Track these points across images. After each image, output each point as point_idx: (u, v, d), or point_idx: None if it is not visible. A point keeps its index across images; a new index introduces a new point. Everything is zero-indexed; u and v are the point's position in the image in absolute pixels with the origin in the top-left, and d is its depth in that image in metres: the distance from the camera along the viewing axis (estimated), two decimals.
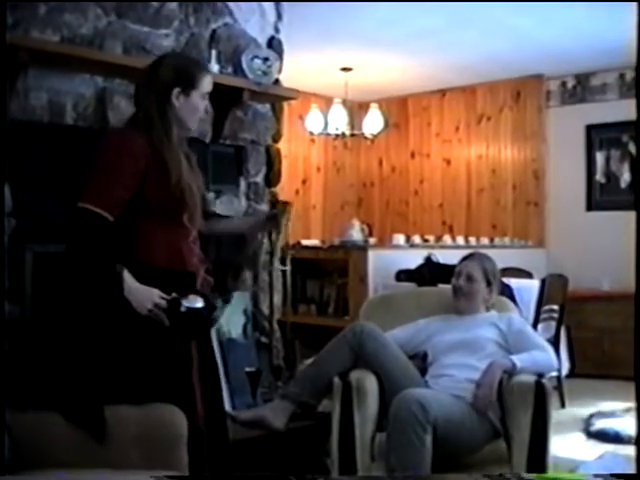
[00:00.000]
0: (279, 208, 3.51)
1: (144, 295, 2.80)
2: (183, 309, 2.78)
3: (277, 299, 5.11)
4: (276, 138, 5.26)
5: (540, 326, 5.74)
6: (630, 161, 7.99)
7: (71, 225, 2.88)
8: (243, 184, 4.98)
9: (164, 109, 2.96)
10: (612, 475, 2.81)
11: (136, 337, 2.88)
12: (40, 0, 4.12)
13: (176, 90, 2.97)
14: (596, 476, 3.00)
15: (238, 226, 3.75)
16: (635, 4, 3.17)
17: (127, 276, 2.79)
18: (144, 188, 2.89)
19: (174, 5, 4.72)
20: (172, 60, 3.14)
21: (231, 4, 5.01)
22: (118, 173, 2.87)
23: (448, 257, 5.64)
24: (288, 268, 4.92)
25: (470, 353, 3.65)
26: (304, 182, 9.37)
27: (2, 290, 3.48)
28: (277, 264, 3.75)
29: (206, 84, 3.07)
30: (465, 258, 4.00)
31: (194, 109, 3.04)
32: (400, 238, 6.89)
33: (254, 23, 5.16)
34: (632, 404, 5.31)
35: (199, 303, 2.83)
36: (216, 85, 4.77)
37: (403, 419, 3.23)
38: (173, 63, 3.07)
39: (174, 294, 2.81)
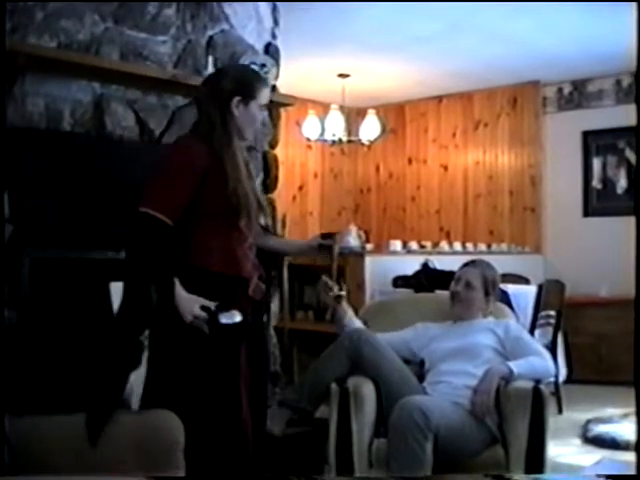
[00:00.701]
0: (333, 237, 3.51)
1: (189, 304, 2.87)
2: (223, 321, 2.86)
3: (274, 305, 5.12)
4: (273, 144, 5.26)
5: (537, 332, 5.74)
6: (627, 167, 8.00)
7: (132, 229, 2.94)
8: None
9: (225, 117, 3.04)
10: (612, 477, 2.82)
11: (184, 342, 2.94)
12: (39, 0, 4.12)
13: (236, 99, 3.06)
14: (598, 476, 3.01)
15: (288, 248, 3.80)
16: (634, 5, 3.18)
17: (177, 285, 2.87)
18: (202, 194, 2.97)
19: (171, 11, 4.73)
20: (233, 71, 3.30)
21: (228, 10, 5.01)
22: (178, 179, 2.96)
23: (445, 263, 5.64)
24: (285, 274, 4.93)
25: (467, 360, 3.64)
26: (301, 188, 9.37)
27: (1, 296, 3.48)
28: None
29: (264, 96, 3.16)
30: (466, 264, 3.99)
31: (252, 119, 3.12)
32: (397, 244, 6.88)
33: (251, 29, 5.16)
34: (629, 410, 5.33)
35: (237, 318, 2.89)
36: None
37: (404, 426, 3.23)
38: (234, 74, 3.19)
39: (214, 306, 2.87)
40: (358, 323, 3.79)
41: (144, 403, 3.07)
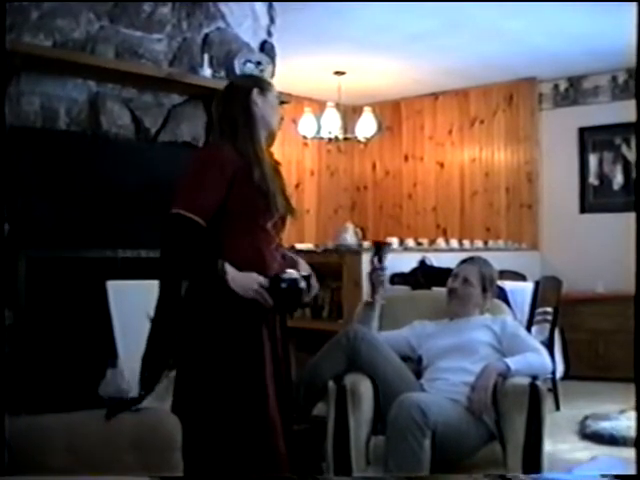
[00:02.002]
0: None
1: (248, 279, 2.97)
2: (284, 285, 2.98)
3: None
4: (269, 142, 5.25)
5: (534, 328, 5.74)
6: (623, 163, 8.01)
7: (165, 231, 2.98)
8: None
9: (248, 112, 3.16)
10: (614, 476, 2.82)
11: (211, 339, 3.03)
12: (39, 0, 4.12)
13: (255, 90, 3.18)
14: (601, 476, 3.01)
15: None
16: (635, 4, 3.18)
17: (229, 267, 2.94)
18: (232, 193, 3.02)
19: (166, 10, 4.73)
20: (241, 76, 3.76)
21: (224, 8, 5.01)
22: (208, 180, 3.01)
23: (442, 260, 5.64)
24: None
25: (464, 356, 3.64)
26: (297, 186, 9.37)
27: (1, 297, 3.48)
28: None
29: (274, 88, 3.33)
30: (464, 261, 3.99)
31: (273, 106, 3.27)
32: (394, 241, 6.87)
33: (247, 27, 5.16)
34: (627, 406, 5.34)
35: (295, 275, 3.03)
36: (208, 89, 4.80)
37: (402, 423, 3.23)
38: (244, 76, 3.65)
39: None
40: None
41: (175, 403, 3.09)
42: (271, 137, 3.32)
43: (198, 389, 3.04)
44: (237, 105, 3.16)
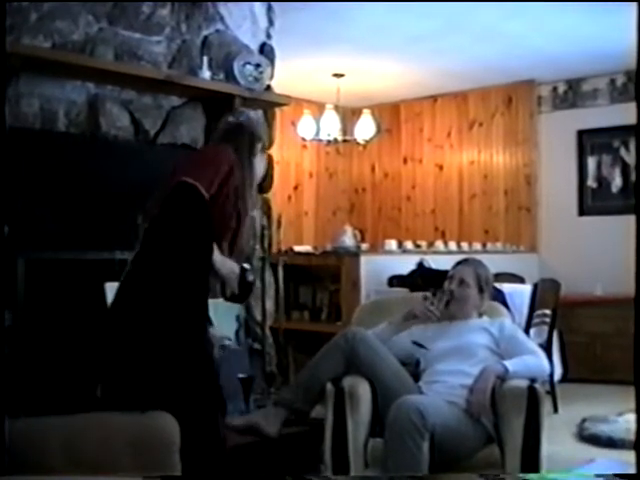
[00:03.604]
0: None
1: (231, 264, 3.27)
2: (250, 279, 3.34)
3: (269, 305, 5.12)
4: (268, 144, 5.26)
5: (532, 331, 5.74)
6: (621, 166, 8.01)
7: (171, 197, 3.11)
8: None
9: (251, 158, 3.41)
10: (613, 476, 2.82)
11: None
12: (37, 0, 4.12)
13: (259, 145, 3.48)
14: (598, 476, 3.01)
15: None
16: (635, 5, 3.17)
17: (216, 251, 3.18)
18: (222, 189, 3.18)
19: (165, 12, 4.73)
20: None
21: (223, 10, 5.02)
22: (215, 162, 3.22)
23: (440, 263, 5.65)
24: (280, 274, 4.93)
25: (463, 359, 3.65)
26: (296, 188, 9.37)
27: (1, 298, 3.48)
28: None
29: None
30: (459, 263, 4.00)
31: (263, 164, 3.57)
32: (392, 244, 6.88)
33: (246, 29, 5.17)
34: (625, 408, 5.34)
35: (252, 277, 3.38)
36: (208, 92, 4.81)
37: (401, 426, 3.23)
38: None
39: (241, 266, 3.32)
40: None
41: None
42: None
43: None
44: (245, 152, 3.37)
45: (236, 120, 3.71)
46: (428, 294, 3.86)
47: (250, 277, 3.33)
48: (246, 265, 3.37)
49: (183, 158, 3.33)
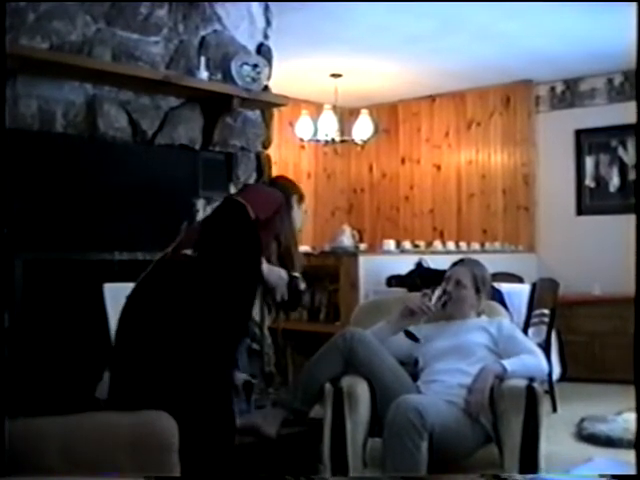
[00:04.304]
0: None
1: (280, 272, 3.44)
2: (301, 287, 3.52)
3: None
4: (266, 144, 5.27)
5: (531, 330, 5.74)
6: (619, 166, 8.02)
7: (220, 208, 3.43)
8: (233, 190, 4.99)
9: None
10: (612, 476, 2.82)
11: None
12: (36, 0, 4.12)
13: (295, 197, 3.78)
14: (599, 476, 3.01)
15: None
16: (635, 4, 3.17)
17: (264, 261, 3.35)
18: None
19: (163, 12, 4.73)
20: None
21: (220, 11, 5.02)
22: (264, 194, 3.59)
23: (439, 262, 5.65)
24: None
25: (461, 358, 3.65)
26: None
27: (1, 299, 3.49)
28: None
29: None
30: (455, 264, 3.99)
31: (299, 217, 3.83)
32: (391, 244, 6.88)
33: (243, 30, 5.17)
34: (623, 407, 5.34)
35: (303, 285, 3.56)
36: (205, 92, 4.81)
37: (400, 426, 3.23)
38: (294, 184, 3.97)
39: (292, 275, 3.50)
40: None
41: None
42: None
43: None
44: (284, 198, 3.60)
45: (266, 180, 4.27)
46: (427, 291, 3.86)
47: (301, 285, 3.51)
48: (296, 274, 3.53)
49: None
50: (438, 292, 3.81)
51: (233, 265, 3.22)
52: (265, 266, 3.35)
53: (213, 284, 3.20)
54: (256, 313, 4.93)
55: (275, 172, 5.47)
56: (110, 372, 3.28)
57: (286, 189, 3.71)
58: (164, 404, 2.91)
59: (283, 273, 3.46)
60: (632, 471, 2.89)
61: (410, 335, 3.73)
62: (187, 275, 3.22)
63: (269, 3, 5.34)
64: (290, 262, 3.57)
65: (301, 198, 3.82)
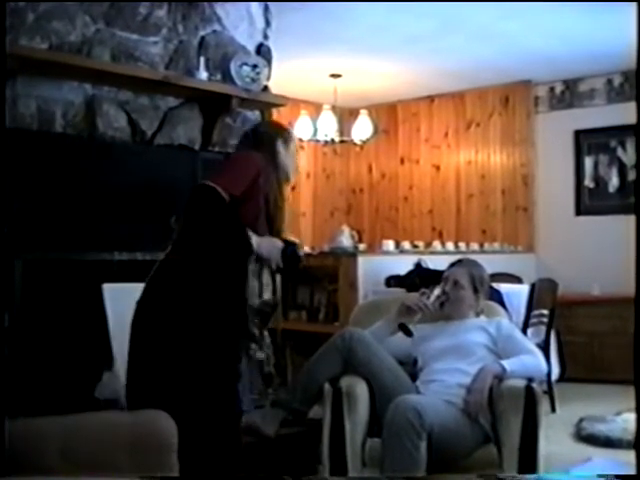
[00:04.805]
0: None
1: (272, 242, 3.34)
2: (300, 254, 3.42)
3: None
4: None
5: (530, 330, 5.75)
6: (618, 166, 8.02)
7: (190, 198, 3.22)
8: None
9: (273, 154, 3.48)
10: (612, 476, 2.82)
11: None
12: (36, 0, 4.12)
13: (280, 140, 3.52)
14: (599, 476, 3.01)
15: None
16: (635, 4, 3.18)
17: (252, 234, 3.23)
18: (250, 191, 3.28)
19: (162, 12, 4.73)
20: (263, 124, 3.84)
21: (220, 11, 5.02)
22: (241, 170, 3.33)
23: (438, 263, 5.64)
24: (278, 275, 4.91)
25: (460, 358, 3.65)
26: (293, 189, 9.35)
27: (1, 300, 3.49)
28: None
29: (294, 137, 3.71)
30: (453, 264, 3.99)
31: (292, 157, 3.61)
32: (390, 244, 6.88)
33: (242, 30, 5.17)
34: (622, 408, 5.34)
35: (297, 243, 3.45)
36: (205, 92, 4.81)
37: (399, 426, 3.23)
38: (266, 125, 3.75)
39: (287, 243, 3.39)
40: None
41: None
42: (287, 179, 3.60)
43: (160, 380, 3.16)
44: (265, 152, 3.42)
45: (251, 127, 3.77)
46: (425, 289, 3.86)
47: (299, 252, 3.41)
48: (294, 239, 3.48)
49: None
50: (436, 291, 3.82)
51: (215, 255, 3.22)
52: (254, 239, 3.24)
53: (201, 278, 3.22)
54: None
55: None
56: (127, 378, 3.27)
57: (268, 137, 3.53)
58: (178, 404, 2.94)
59: (276, 242, 3.36)
60: (631, 471, 2.90)
61: (404, 328, 3.74)
62: (182, 274, 3.24)
63: (269, 3, 5.34)
64: (281, 219, 3.49)
65: (287, 139, 3.60)
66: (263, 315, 3.46)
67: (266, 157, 3.41)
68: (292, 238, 3.50)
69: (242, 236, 3.22)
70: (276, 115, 5.75)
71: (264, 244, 3.28)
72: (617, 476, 2.88)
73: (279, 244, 3.34)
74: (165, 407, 2.81)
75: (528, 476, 3.26)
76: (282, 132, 3.61)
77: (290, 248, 3.35)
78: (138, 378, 3.21)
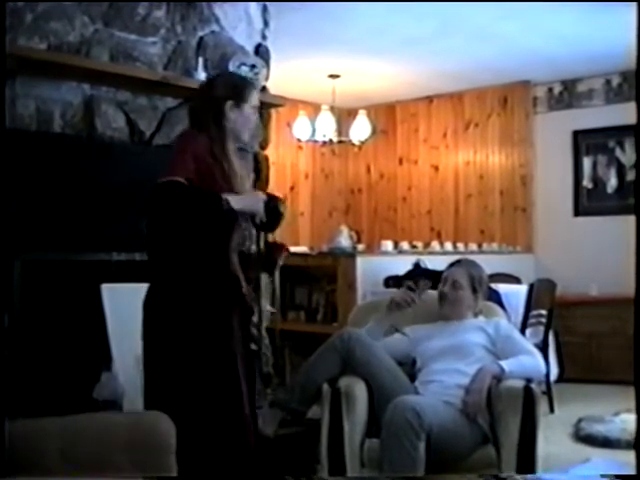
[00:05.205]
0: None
1: (253, 195, 3.21)
2: (281, 209, 3.26)
3: (267, 306, 5.12)
4: (264, 145, 5.26)
5: (528, 331, 5.75)
6: (617, 167, 8.02)
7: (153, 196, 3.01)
8: None
9: (220, 123, 3.17)
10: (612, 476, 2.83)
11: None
12: (34, 0, 4.12)
13: (229, 103, 3.18)
14: (601, 476, 3.02)
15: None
16: (634, 4, 3.18)
17: (228, 195, 3.01)
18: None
19: (161, 13, 4.73)
20: (223, 78, 3.46)
21: (218, 12, 5.02)
22: (176, 153, 3.12)
23: (436, 263, 5.65)
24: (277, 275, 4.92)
25: (459, 358, 3.65)
26: (292, 189, 9.37)
27: (1, 301, 3.49)
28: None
29: (254, 98, 3.29)
30: (452, 264, 4.00)
31: (246, 121, 3.26)
32: (388, 244, 6.88)
33: (241, 30, 5.17)
34: (621, 408, 5.34)
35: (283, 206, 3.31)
36: None
37: (397, 426, 3.23)
38: (224, 80, 3.35)
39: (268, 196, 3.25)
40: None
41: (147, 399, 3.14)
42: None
43: (169, 385, 3.06)
44: (209, 115, 3.18)
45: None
46: (410, 283, 3.88)
47: (280, 207, 3.26)
48: (276, 194, 3.37)
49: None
50: (422, 282, 3.83)
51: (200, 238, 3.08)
52: (233, 198, 3.02)
53: (192, 268, 3.10)
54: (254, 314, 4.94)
55: (273, 172, 5.47)
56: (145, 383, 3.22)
57: (214, 100, 3.20)
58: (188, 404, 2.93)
59: (258, 193, 3.23)
60: (630, 472, 2.90)
61: (397, 329, 3.78)
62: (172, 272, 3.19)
63: (267, 4, 5.34)
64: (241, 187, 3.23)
65: (239, 100, 3.21)
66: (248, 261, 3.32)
67: (209, 129, 3.16)
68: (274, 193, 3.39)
69: (217, 204, 3.00)
70: (275, 115, 5.75)
71: (247, 198, 3.13)
72: (617, 476, 2.89)
73: (262, 196, 3.19)
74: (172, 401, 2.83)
75: (528, 476, 3.27)
76: (230, 91, 3.23)
77: (272, 202, 3.23)
78: (153, 376, 3.16)
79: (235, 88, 3.25)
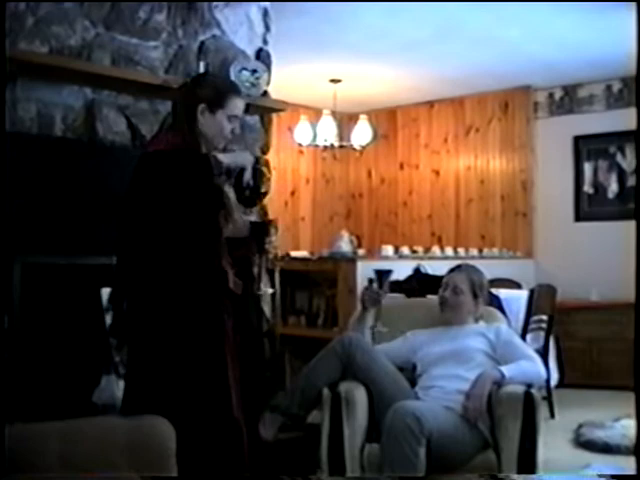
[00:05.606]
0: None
1: (242, 153, 3.37)
2: (261, 167, 3.30)
3: (266, 310, 5.11)
4: (265, 150, 5.26)
5: (529, 336, 5.75)
6: (618, 172, 8.03)
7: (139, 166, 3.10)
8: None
9: (190, 122, 3.12)
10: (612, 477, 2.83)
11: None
12: (36, 0, 4.12)
13: (201, 106, 3.11)
14: (599, 476, 3.02)
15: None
16: (634, 4, 3.18)
17: (218, 154, 3.04)
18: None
19: (162, 17, 4.74)
20: (207, 79, 3.47)
21: (219, 16, 5.02)
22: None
23: (437, 268, 5.64)
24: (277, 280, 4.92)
25: (459, 364, 3.64)
26: (293, 194, 9.38)
27: (1, 304, 3.48)
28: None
29: (234, 106, 3.19)
30: (452, 270, 3.99)
31: (218, 128, 3.16)
32: (389, 249, 6.88)
33: (242, 35, 5.17)
34: (621, 413, 5.34)
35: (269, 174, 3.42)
36: None
37: (398, 431, 3.23)
38: (207, 81, 3.31)
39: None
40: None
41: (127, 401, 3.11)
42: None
43: (155, 384, 3.01)
44: (182, 112, 3.17)
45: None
46: (371, 278, 3.91)
47: (265, 170, 3.31)
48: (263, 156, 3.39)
49: None
50: (382, 276, 3.87)
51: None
52: (221, 155, 3.02)
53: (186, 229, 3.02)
54: (255, 318, 4.93)
55: (274, 177, 5.47)
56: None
57: (187, 100, 3.15)
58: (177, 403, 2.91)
59: (248, 155, 3.25)
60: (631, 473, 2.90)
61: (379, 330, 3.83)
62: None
63: (268, 8, 5.34)
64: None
65: (213, 105, 3.12)
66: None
67: (182, 130, 3.12)
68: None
69: (205, 162, 2.98)
70: (276, 120, 5.75)
71: (235, 154, 3.23)
72: (613, 476, 2.88)
73: (251, 157, 3.22)
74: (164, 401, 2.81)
75: (528, 476, 3.26)
76: (207, 97, 3.13)
77: (258, 163, 3.26)
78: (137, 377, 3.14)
79: (214, 92, 3.15)
